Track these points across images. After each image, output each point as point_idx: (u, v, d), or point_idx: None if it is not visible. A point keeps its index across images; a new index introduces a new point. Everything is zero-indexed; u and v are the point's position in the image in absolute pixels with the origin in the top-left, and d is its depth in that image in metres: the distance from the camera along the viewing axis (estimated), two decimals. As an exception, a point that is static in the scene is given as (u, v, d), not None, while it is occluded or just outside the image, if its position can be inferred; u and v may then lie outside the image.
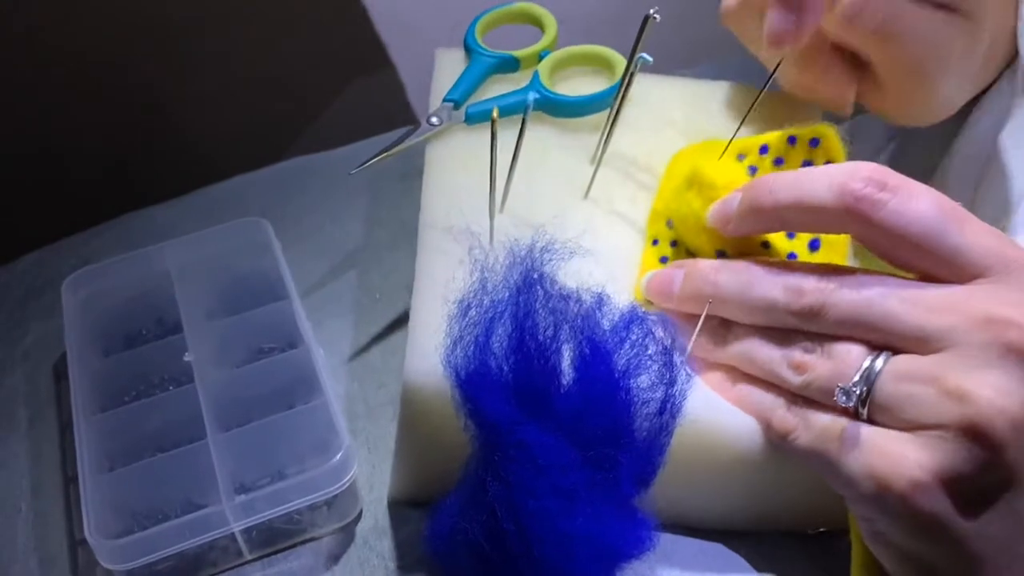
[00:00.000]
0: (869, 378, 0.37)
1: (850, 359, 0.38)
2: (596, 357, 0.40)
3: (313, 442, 0.49)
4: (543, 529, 0.39)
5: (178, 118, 0.85)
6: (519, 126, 0.45)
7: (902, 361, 0.37)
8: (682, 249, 0.48)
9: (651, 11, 0.44)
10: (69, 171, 0.81)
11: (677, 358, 0.42)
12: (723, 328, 0.44)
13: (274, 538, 0.48)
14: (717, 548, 0.47)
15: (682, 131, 0.53)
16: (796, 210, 0.40)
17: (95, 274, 0.56)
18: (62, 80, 0.77)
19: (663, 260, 0.48)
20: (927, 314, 0.37)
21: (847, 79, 0.51)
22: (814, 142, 0.48)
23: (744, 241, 0.45)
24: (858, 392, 0.37)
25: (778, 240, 0.46)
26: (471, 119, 0.53)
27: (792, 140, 0.48)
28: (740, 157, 0.49)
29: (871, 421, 0.38)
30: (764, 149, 0.49)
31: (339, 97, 0.93)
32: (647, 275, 0.46)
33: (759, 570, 0.46)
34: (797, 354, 0.40)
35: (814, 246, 0.47)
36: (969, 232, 0.37)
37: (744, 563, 0.46)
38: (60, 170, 0.80)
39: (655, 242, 0.49)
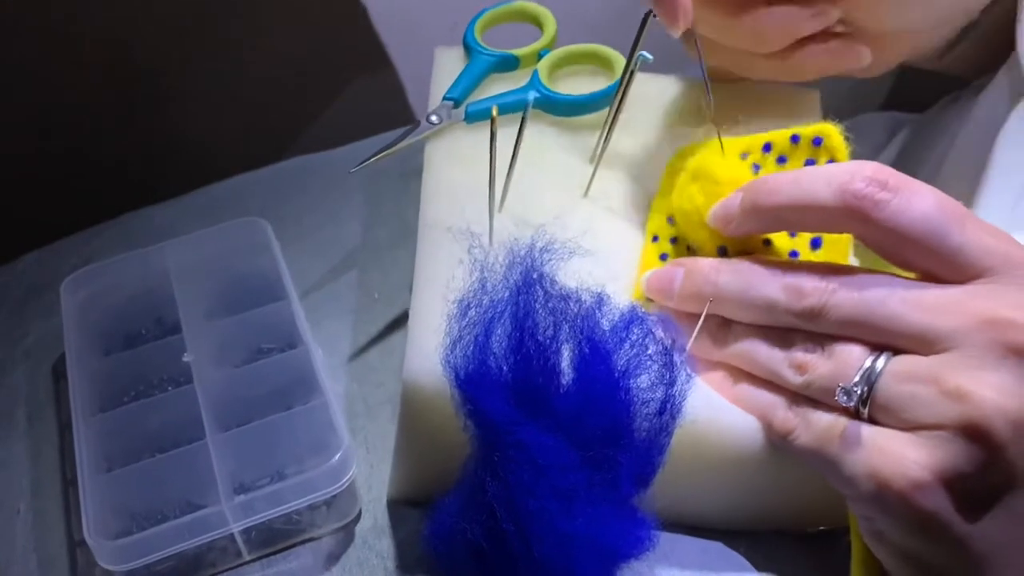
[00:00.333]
0: (870, 378, 0.37)
1: (851, 359, 0.38)
2: (596, 357, 0.40)
3: (312, 442, 0.49)
4: (543, 529, 0.39)
5: (178, 118, 0.85)
6: (518, 125, 0.45)
7: (903, 361, 0.37)
8: (682, 246, 0.48)
9: (651, 10, 0.44)
10: (69, 171, 0.80)
11: (677, 358, 0.41)
12: (724, 327, 0.44)
13: (273, 538, 0.48)
14: (717, 547, 0.47)
15: (681, 130, 0.53)
16: (797, 210, 0.40)
17: (94, 274, 0.56)
18: (61, 80, 0.77)
19: (663, 257, 0.48)
20: (928, 315, 0.37)
21: (815, 21, 0.47)
22: (817, 141, 0.47)
23: (745, 238, 0.45)
24: (859, 392, 0.37)
25: (779, 238, 0.45)
26: (471, 118, 0.52)
27: (795, 139, 0.48)
28: (744, 155, 0.49)
29: (872, 421, 0.38)
30: (767, 147, 0.49)
31: (338, 97, 0.93)
32: (647, 273, 0.46)
33: (759, 569, 0.46)
34: (798, 354, 0.40)
35: (816, 244, 0.47)
36: (971, 232, 0.37)
37: (744, 562, 0.46)
38: (60, 170, 0.80)
39: (655, 239, 0.49)
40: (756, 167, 0.49)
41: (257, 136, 0.85)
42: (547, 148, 0.52)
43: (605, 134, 0.49)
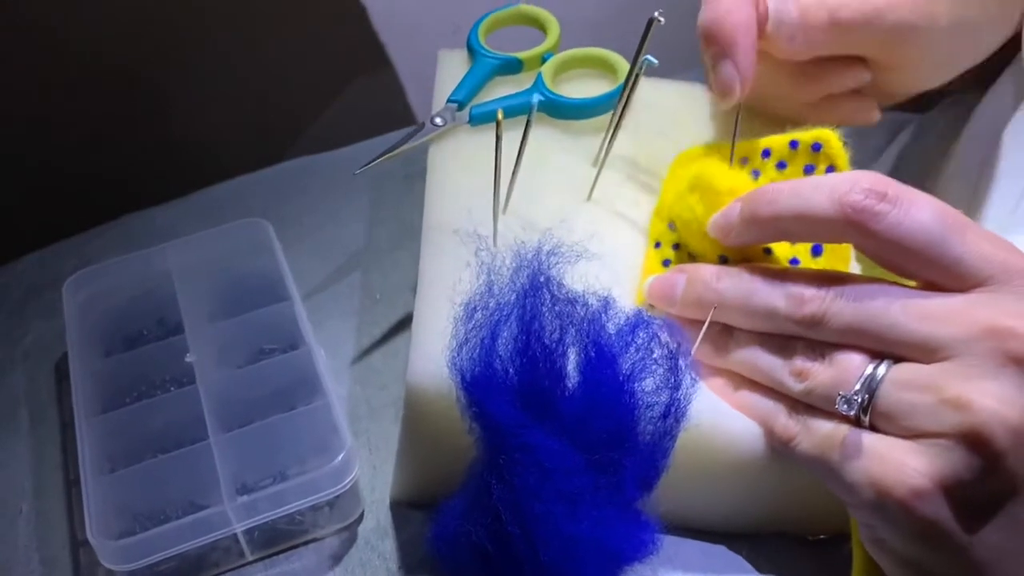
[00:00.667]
0: (870, 386, 0.38)
1: (851, 367, 0.38)
2: (601, 361, 0.40)
3: (315, 443, 0.49)
4: (548, 532, 0.39)
5: (179, 119, 0.85)
6: (522, 128, 0.45)
7: (903, 369, 0.37)
8: (684, 252, 0.48)
9: (655, 14, 0.44)
10: (70, 172, 0.80)
11: (682, 362, 0.42)
12: (725, 334, 0.44)
13: (276, 539, 0.48)
14: (720, 550, 0.47)
15: (684, 134, 0.53)
16: (796, 221, 0.40)
17: (96, 275, 0.56)
18: (62, 81, 0.77)
19: (666, 263, 0.48)
20: (929, 323, 0.37)
21: (851, 79, 0.51)
22: (816, 147, 0.48)
23: (746, 246, 0.45)
24: (859, 400, 0.37)
25: (780, 245, 0.46)
26: (475, 120, 0.53)
27: (794, 144, 0.48)
28: (743, 161, 0.49)
29: (872, 428, 0.38)
30: (767, 153, 0.49)
31: (339, 97, 0.93)
32: (649, 279, 0.46)
33: (762, 572, 0.46)
34: (799, 361, 0.40)
35: (817, 251, 0.47)
36: (971, 241, 0.37)
37: (747, 565, 0.46)
38: (61, 171, 0.80)
39: (657, 244, 0.49)
40: (756, 173, 0.49)
41: (258, 137, 0.85)
42: (551, 151, 0.52)
43: (609, 137, 0.50)
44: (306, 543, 0.48)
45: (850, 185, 0.38)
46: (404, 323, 0.58)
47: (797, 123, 0.49)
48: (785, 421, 0.41)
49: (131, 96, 0.81)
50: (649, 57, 0.45)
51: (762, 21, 0.48)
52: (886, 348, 0.38)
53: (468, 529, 0.41)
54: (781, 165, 0.49)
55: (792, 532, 0.47)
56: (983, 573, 0.36)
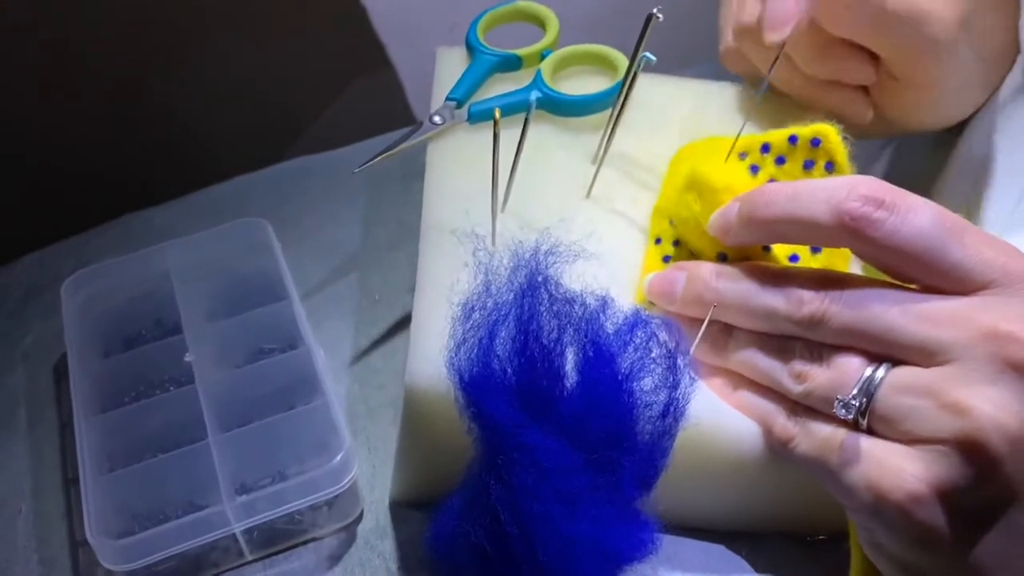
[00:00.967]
0: (868, 390, 0.37)
1: (850, 370, 0.38)
2: (600, 360, 0.40)
3: (314, 443, 0.49)
4: (546, 532, 0.39)
5: (178, 119, 0.85)
6: (521, 125, 0.45)
7: (902, 373, 0.37)
8: (685, 249, 0.48)
9: (654, 10, 0.44)
10: (69, 172, 0.80)
11: (680, 361, 0.41)
12: (725, 333, 0.44)
13: (275, 539, 0.48)
14: (719, 549, 0.47)
15: (683, 131, 0.53)
16: (793, 225, 0.40)
17: (95, 275, 0.56)
18: (62, 81, 0.77)
19: (666, 259, 0.48)
20: (928, 326, 0.37)
21: (860, 74, 0.51)
22: (815, 142, 0.47)
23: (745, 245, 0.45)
24: (857, 404, 0.37)
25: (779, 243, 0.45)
26: (473, 118, 0.52)
27: (793, 139, 0.48)
28: (742, 156, 0.49)
29: (871, 432, 0.38)
30: (766, 148, 0.49)
31: (339, 97, 0.93)
32: (648, 276, 0.46)
33: (761, 572, 0.46)
34: (797, 363, 0.40)
35: (816, 248, 0.46)
36: (970, 246, 0.37)
37: (746, 565, 0.46)
38: (60, 171, 0.80)
39: (658, 241, 0.48)
40: (754, 168, 0.49)
41: (257, 137, 0.85)
42: (550, 149, 0.52)
43: (608, 135, 0.49)
44: (305, 543, 0.48)
45: (847, 191, 0.38)
46: (402, 323, 0.58)
47: (791, 99, 0.49)
48: (784, 422, 0.41)
49: (131, 97, 0.81)
50: (647, 54, 0.45)
51: None
52: (885, 351, 0.38)
53: (466, 529, 0.41)
54: (780, 160, 0.48)
55: (791, 532, 0.47)
56: None
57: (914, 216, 0.37)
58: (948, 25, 0.47)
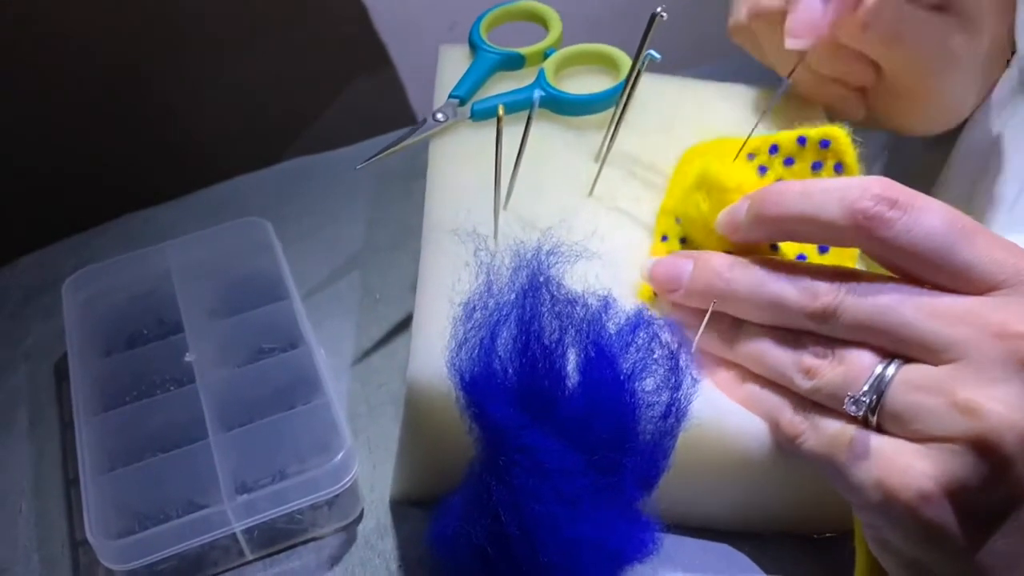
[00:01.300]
0: (879, 387, 0.37)
1: (861, 366, 0.38)
2: (601, 361, 0.40)
3: (314, 442, 0.49)
4: (547, 534, 0.39)
5: (178, 118, 0.85)
6: (523, 124, 0.45)
7: (913, 370, 0.37)
8: (691, 247, 0.47)
9: (658, 9, 0.44)
10: (70, 172, 0.80)
11: (683, 362, 0.41)
12: (734, 327, 0.43)
13: (275, 538, 0.47)
14: (722, 549, 0.47)
15: (687, 131, 0.53)
16: (804, 223, 0.40)
17: (95, 274, 0.56)
18: (62, 81, 0.77)
19: None
20: (941, 324, 0.36)
21: (862, 78, 0.51)
22: (824, 143, 0.47)
23: (753, 244, 0.45)
24: (867, 401, 0.37)
25: (787, 242, 0.45)
26: (476, 115, 0.52)
27: (802, 140, 0.48)
28: (750, 157, 0.49)
29: (880, 429, 0.38)
30: (774, 149, 0.48)
31: (339, 97, 0.93)
32: (651, 260, 0.46)
33: (765, 571, 0.46)
34: (807, 358, 0.40)
35: (823, 248, 0.46)
36: (981, 246, 0.37)
37: (750, 564, 0.46)
38: (61, 172, 0.80)
39: (664, 238, 0.48)
40: (763, 169, 0.49)
41: (258, 137, 0.85)
42: (553, 147, 0.52)
43: (611, 133, 0.49)
44: (305, 542, 0.48)
45: (860, 191, 0.38)
46: (404, 322, 0.57)
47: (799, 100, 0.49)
48: (791, 417, 0.41)
49: (130, 96, 0.81)
50: (652, 52, 0.45)
51: None
52: (896, 347, 0.38)
53: (467, 530, 0.41)
54: (788, 161, 0.48)
55: (795, 530, 0.47)
56: None
57: (926, 217, 0.37)
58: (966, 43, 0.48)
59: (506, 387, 0.39)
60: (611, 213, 0.50)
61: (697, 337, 0.43)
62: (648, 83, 0.53)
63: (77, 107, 0.79)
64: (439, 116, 0.52)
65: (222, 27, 0.83)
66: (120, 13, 0.77)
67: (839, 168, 0.47)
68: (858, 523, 0.41)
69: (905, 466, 0.36)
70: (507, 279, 0.42)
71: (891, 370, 0.37)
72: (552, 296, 0.41)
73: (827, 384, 0.39)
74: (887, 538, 0.38)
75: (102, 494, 0.45)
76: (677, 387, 0.40)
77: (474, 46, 0.56)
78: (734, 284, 0.42)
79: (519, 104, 0.52)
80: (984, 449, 0.34)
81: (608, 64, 0.56)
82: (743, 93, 0.56)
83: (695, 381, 0.41)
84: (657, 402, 0.40)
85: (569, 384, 0.40)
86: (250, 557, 0.47)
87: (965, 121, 0.56)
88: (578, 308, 0.41)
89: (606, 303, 0.42)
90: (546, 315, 0.40)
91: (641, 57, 0.45)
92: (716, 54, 0.69)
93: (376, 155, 0.51)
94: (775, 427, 0.41)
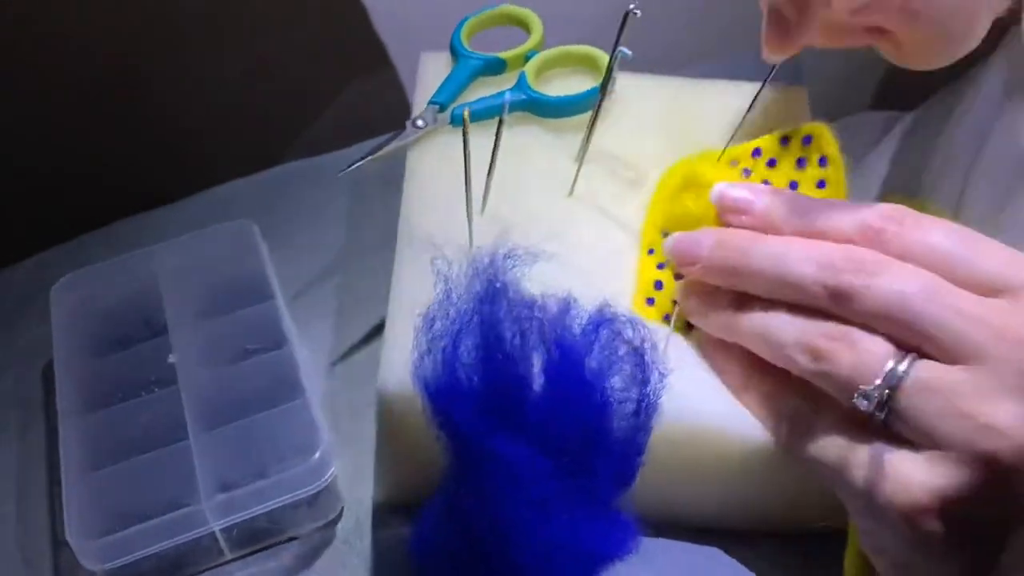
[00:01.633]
0: (891, 382, 0.36)
1: (875, 357, 0.37)
2: (565, 362, 0.40)
3: (294, 441, 0.49)
4: (520, 538, 0.39)
5: (178, 119, 0.85)
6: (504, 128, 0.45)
7: (927, 370, 0.36)
8: None
9: (631, 6, 0.44)
10: (59, 179, 0.81)
11: (649, 357, 0.41)
12: (736, 304, 0.42)
13: (255, 537, 0.48)
14: (706, 548, 0.46)
15: (667, 130, 0.53)
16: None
17: (84, 278, 0.56)
18: (52, 87, 0.77)
19: (660, 267, 0.48)
20: (962, 320, 0.35)
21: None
22: (807, 140, 0.47)
23: None
24: (878, 396, 0.36)
25: None
26: (457, 121, 0.52)
27: (785, 141, 0.48)
28: (733, 163, 0.49)
29: (885, 426, 0.37)
30: (757, 152, 0.49)
31: (338, 98, 0.93)
32: (674, 235, 0.44)
33: (752, 570, 0.46)
34: (819, 340, 0.38)
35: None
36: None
37: (736, 563, 0.46)
38: (50, 178, 0.80)
39: (651, 251, 0.48)
40: (746, 172, 0.49)
41: (258, 137, 0.85)
42: (535, 150, 0.52)
43: (589, 130, 0.49)
44: (285, 541, 0.48)
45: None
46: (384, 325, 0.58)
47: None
48: (792, 422, 0.40)
49: (121, 102, 0.81)
50: (623, 49, 0.45)
51: None
52: (913, 340, 0.36)
53: (444, 537, 0.41)
54: (771, 163, 0.48)
55: (781, 529, 0.46)
56: None
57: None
58: None
59: (471, 395, 0.39)
60: (591, 211, 0.50)
61: (673, 317, 0.43)
62: (629, 83, 0.54)
63: (77, 107, 0.79)
64: (419, 123, 0.52)
65: (219, 31, 0.83)
66: (120, 13, 0.77)
67: (823, 162, 0.47)
68: (853, 526, 0.40)
69: (905, 476, 0.35)
70: (465, 287, 0.41)
71: (903, 366, 0.36)
72: (510, 301, 0.40)
73: (838, 371, 0.37)
74: (883, 544, 0.38)
75: (83, 495, 0.46)
76: (645, 382, 0.40)
77: (455, 52, 0.56)
78: (754, 259, 0.41)
79: (498, 108, 0.52)
80: (987, 463, 0.34)
81: (590, 65, 0.56)
82: (722, 92, 0.55)
83: (663, 376, 0.41)
84: (626, 399, 0.40)
85: (535, 387, 0.40)
86: (229, 556, 0.48)
87: (953, 117, 0.56)
88: (537, 311, 0.41)
89: (567, 304, 0.42)
90: (505, 320, 0.40)
91: (614, 54, 0.45)
92: (708, 56, 0.69)
93: (356, 163, 0.51)
94: (775, 430, 0.41)
